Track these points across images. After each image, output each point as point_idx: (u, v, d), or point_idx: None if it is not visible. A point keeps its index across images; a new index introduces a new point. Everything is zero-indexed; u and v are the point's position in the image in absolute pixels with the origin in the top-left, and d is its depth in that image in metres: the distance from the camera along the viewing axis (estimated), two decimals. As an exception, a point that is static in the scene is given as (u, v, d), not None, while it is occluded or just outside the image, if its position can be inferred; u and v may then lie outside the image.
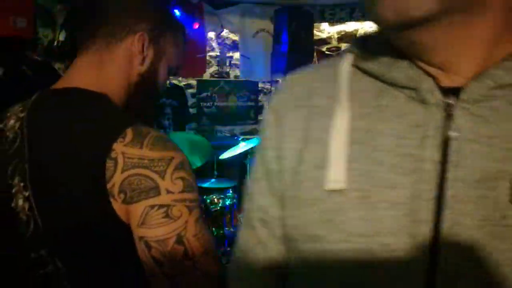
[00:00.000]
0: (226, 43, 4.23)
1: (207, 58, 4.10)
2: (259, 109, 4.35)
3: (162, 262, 0.68)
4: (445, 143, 0.45)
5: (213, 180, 2.78)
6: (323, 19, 4.12)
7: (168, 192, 0.69)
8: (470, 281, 0.43)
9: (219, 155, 2.86)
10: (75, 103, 0.76)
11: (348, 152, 0.48)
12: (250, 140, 2.86)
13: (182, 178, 0.71)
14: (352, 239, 0.47)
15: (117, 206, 0.69)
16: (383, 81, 0.49)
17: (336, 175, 0.48)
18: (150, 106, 0.90)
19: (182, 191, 0.70)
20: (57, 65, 2.89)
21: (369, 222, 0.46)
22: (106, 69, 0.80)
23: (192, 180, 0.73)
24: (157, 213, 0.68)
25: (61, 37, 2.91)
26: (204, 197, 2.49)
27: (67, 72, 0.83)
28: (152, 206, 0.68)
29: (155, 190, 0.68)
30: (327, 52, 4.27)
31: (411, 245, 0.44)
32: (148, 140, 0.71)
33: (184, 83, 4.04)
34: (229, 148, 2.86)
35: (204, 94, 4.12)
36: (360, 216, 0.47)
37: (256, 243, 0.59)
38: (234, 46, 4.20)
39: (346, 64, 0.53)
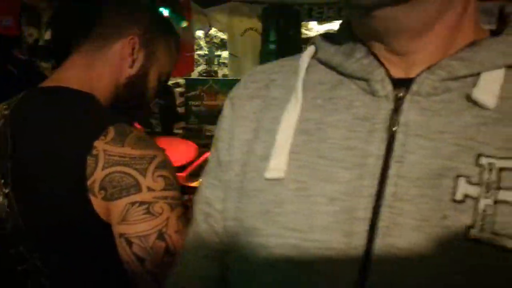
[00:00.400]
0: (214, 42, 4.22)
1: (195, 57, 4.09)
2: (247, 108, 4.36)
3: (144, 258, 0.68)
4: (392, 138, 0.43)
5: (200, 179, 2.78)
6: (311, 18, 4.13)
7: (149, 189, 0.69)
8: (404, 284, 0.40)
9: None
10: (61, 102, 0.77)
11: (293, 142, 0.47)
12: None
13: (164, 177, 0.71)
14: (285, 233, 0.44)
15: (97, 203, 0.69)
16: (340, 72, 0.48)
17: (277, 163, 0.46)
18: (139, 108, 0.91)
19: (163, 189, 0.71)
20: (42, 64, 2.86)
21: (304, 217, 0.44)
22: (95, 70, 0.81)
23: (173, 178, 0.73)
24: (138, 210, 0.68)
25: (47, 36, 2.88)
26: (193, 196, 2.49)
27: (57, 71, 0.83)
28: (133, 203, 0.69)
29: (136, 187, 0.69)
30: (315, 51, 4.29)
31: (345, 244, 0.42)
32: (130, 139, 0.72)
33: (172, 82, 4.02)
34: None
35: (193, 93, 4.11)
36: (296, 209, 0.44)
37: (196, 238, 0.56)
38: (223, 45, 4.20)
39: (306, 56, 0.52)
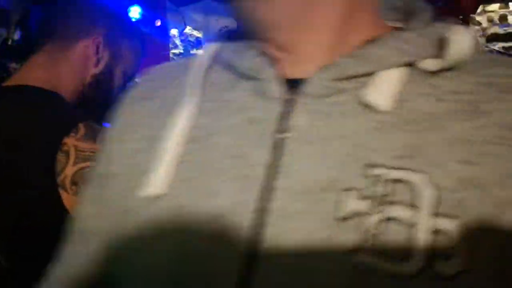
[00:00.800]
0: (189, 40, 4.19)
1: (170, 55, 4.05)
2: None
3: None
4: (279, 145, 0.38)
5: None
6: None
7: None
8: None
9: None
10: (26, 100, 0.77)
11: (180, 152, 0.41)
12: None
13: None
14: (160, 259, 0.39)
15: (68, 198, 0.70)
16: (235, 72, 0.44)
17: (157, 178, 0.40)
18: (105, 106, 0.92)
19: None
20: (12, 65, 2.79)
21: (182, 237, 0.39)
22: (60, 68, 0.82)
23: None
24: None
25: (16, 36, 2.82)
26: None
27: (19, 71, 0.84)
28: None
29: None
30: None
31: (225, 266, 0.36)
32: (101, 135, 0.72)
33: (148, 81, 4.00)
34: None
35: (169, 92, 4.09)
36: (173, 228, 0.39)
37: (69, 256, 0.51)
38: (198, 43, 4.18)
39: (205, 55, 0.47)
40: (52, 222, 0.70)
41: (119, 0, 3.49)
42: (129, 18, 0.92)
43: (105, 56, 0.85)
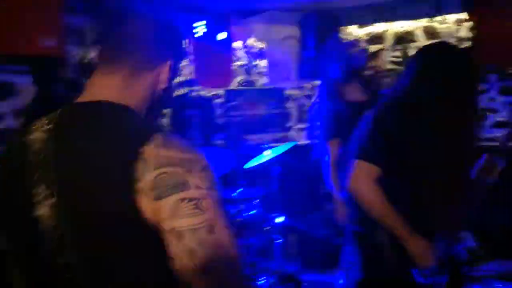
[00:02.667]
0: (253, 51, 4.23)
1: (234, 67, 4.12)
2: (287, 116, 4.31)
3: (195, 250, 0.71)
4: None
5: (240, 189, 2.77)
6: (351, 22, 4.04)
7: (197, 187, 0.74)
8: None
9: (247, 165, 2.85)
10: (103, 114, 0.82)
11: None
12: (275, 148, 2.83)
13: (207, 177, 0.77)
14: None
15: (146, 203, 0.72)
16: None
17: None
18: (159, 117, 1.01)
19: (209, 188, 0.75)
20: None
21: None
22: (134, 88, 0.86)
23: (215, 181, 0.78)
24: (188, 205, 0.73)
25: (92, 55, 3.02)
26: (230, 207, 2.49)
27: (90, 88, 0.87)
28: (183, 199, 0.73)
29: (185, 185, 0.73)
30: (355, 55, 4.18)
31: None
32: (176, 144, 0.78)
33: (212, 93, 4.07)
34: (257, 157, 2.84)
35: (232, 103, 4.14)
36: None
37: None
38: (261, 54, 4.20)
39: None
40: (129, 230, 0.75)
41: (186, 15, 3.63)
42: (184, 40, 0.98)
43: (170, 74, 0.92)
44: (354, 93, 2.48)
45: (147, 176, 0.72)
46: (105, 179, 0.75)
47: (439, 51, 1.55)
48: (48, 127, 0.83)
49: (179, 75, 1.02)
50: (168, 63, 0.89)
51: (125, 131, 0.79)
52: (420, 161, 1.47)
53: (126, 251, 0.76)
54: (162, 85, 0.90)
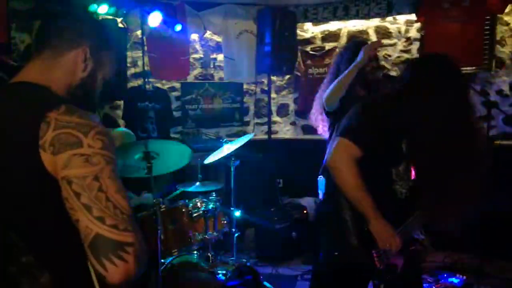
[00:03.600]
0: (209, 45, 4.19)
1: (191, 60, 4.06)
2: (244, 111, 4.32)
3: (80, 193, 0.85)
4: None
5: (197, 184, 2.74)
6: (306, 19, 4.11)
7: (90, 146, 0.88)
8: None
9: (205, 158, 2.82)
10: (21, 91, 0.97)
11: None
12: (233, 141, 2.82)
13: (102, 140, 0.90)
14: None
15: (46, 157, 0.87)
16: None
17: None
18: (87, 107, 1.10)
19: (101, 148, 0.89)
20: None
21: None
22: (54, 70, 1.02)
23: (110, 145, 0.91)
24: (79, 159, 0.87)
25: (39, 42, 2.87)
26: (187, 201, 2.45)
27: (19, 73, 1.00)
28: (75, 154, 0.87)
29: (79, 144, 0.87)
30: (311, 52, 4.25)
31: None
32: (78, 112, 0.91)
33: (168, 86, 4.00)
34: (214, 151, 2.82)
35: (189, 97, 4.08)
36: None
37: None
38: (218, 48, 4.17)
39: None
40: (34, 181, 0.89)
41: (140, 6, 3.53)
42: (110, 31, 1.16)
43: (90, 63, 1.04)
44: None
45: (47, 135, 0.87)
46: (14, 138, 0.89)
47: (431, 63, 1.60)
48: None
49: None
50: (83, 49, 1.02)
51: (36, 101, 0.93)
52: (402, 150, 1.53)
53: (31, 198, 0.90)
54: (82, 73, 1.03)
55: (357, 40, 3.16)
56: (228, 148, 2.73)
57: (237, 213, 2.71)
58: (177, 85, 4.05)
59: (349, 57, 2.26)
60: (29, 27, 2.87)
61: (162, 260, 2.18)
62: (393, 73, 3.84)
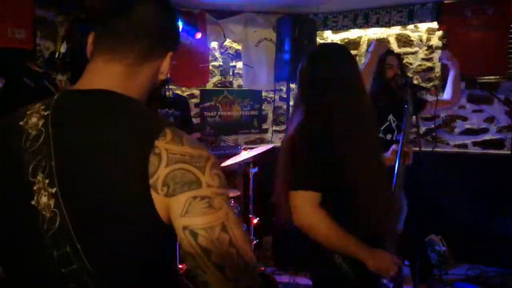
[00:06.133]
0: (229, 53, 4.21)
1: (210, 68, 4.09)
2: (262, 118, 4.31)
3: (210, 250, 0.71)
4: None
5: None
6: (326, 27, 4.09)
7: (209, 185, 0.74)
8: None
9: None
10: (107, 103, 0.79)
11: None
12: (251, 149, 2.81)
13: (218, 175, 0.76)
14: None
15: (158, 199, 0.72)
16: None
17: None
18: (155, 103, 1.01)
19: (219, 186, 0.75)
20: (58, 77, 2.89)
21: None
22: (137, 77, 0.84)
23: (224, 179, 0.78)
24: (200, 203, 0.72)
25: (63, 49, 2.92)
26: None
27: (89, 74, 0.84)
28: (195, 197, 0.72)
29: (197, 183, 0.73)
30: (330, 60, 4.23)
31: None
32: (187, 140, 0.76)
33: (187, 93, 4.02)
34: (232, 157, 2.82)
35: (208, 104, 4.10)
36: None
37: None
38: (237, 56, 4.19)
39: None
40: (138, 223, 0.73)
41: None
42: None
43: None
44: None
45: (159, 171, 0.71)
46: (116, 171, 0.72)
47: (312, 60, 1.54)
48: (44, 113, 0.79)
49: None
50: (170, 53, 0.88)
51: (135, 123, 0.76)
52: (350, 169, 1.40)
53: (137, 242, 0.74)
54: (162, 76, 0.89)
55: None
56: (245, 154, 2.73)
57: (255, 220, 2.70)
58: (196, 92, 4.08)
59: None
60: (54, 35, 2.93)
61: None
62: (415, 82, 3.78)
